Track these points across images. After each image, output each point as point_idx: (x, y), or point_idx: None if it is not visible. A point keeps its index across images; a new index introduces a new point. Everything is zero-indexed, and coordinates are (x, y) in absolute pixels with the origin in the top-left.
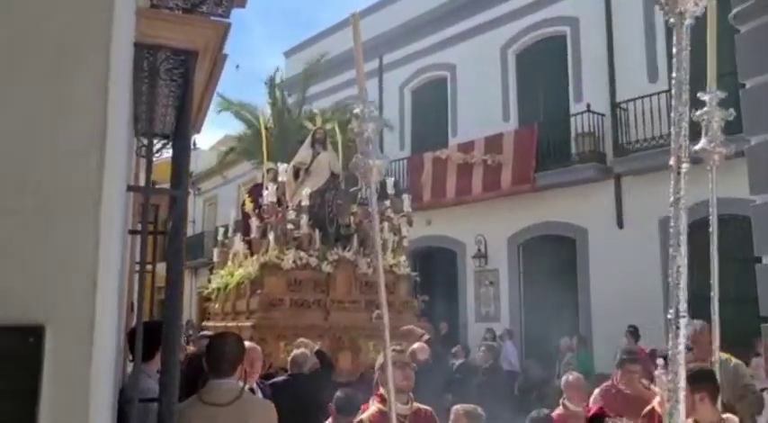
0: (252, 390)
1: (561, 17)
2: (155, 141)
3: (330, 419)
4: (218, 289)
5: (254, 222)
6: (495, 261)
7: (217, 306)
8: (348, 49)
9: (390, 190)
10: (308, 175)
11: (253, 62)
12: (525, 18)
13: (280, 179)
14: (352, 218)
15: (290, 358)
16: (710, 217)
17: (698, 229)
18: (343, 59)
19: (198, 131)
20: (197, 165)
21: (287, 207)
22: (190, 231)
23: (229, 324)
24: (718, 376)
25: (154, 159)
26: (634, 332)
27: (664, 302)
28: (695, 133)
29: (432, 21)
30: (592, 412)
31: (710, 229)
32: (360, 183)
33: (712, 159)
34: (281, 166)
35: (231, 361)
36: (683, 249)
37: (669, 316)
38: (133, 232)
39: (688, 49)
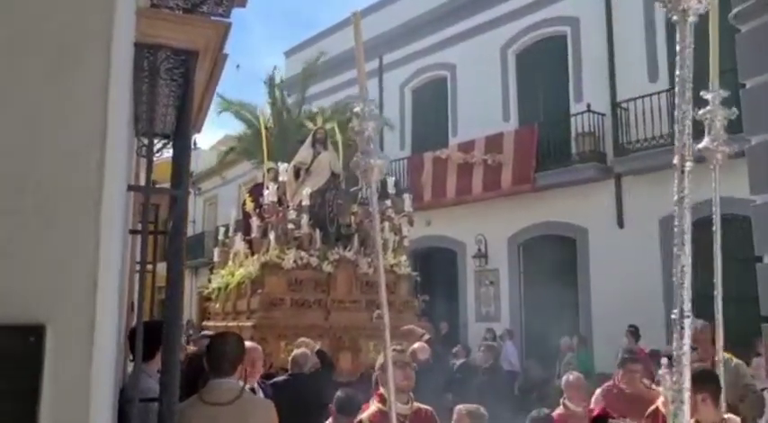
0: (253, 389)
1: (561, 17)
2: (155, 141)
3: (330, 419)
4: (219, 289)
5: (254, 222)
6: (495, 261)
7: (217, 306)
8: (347, 48)
9: (391, 190)
10: (309, 174)
11: (253, 62)
12: (525, 18)
13: (280, 179)
14: (352, 217)
15: (290, 358)
16: (714, 216)
17: (700, 229)
18: (343, 59)
19: (198, 131)
20: (197, 164)
21: (287, 207)
22: (190, 231)
23: (230, 324)
24: (722, 376)
25: (154, 159)
26: (634, 332)
27: (664, 302)
28: (698, 132)
29: (432, 20)
30: (595, 413)
31: (714, 229)
32: (360, 182)
33: (715, 158)
34: (282, 166)
35: (231, 361)
36: (687, 248)
37: (673, 316)
38: (133, 232)
39: (692, 47)
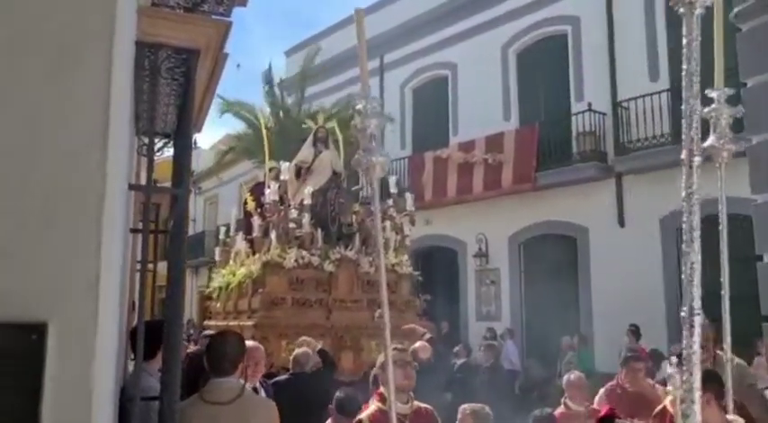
0: (255, 389)
1: (562, 16)
2: (156, 140)
3: (330, 420)
4: (220, 288)
5: (256, 221)
6: (496, 260)
7: (218, 305)
8: (347, 48)
9: (393, 189)
10: (310, 173)
11: (253, 62)
12: (526, 17)
13: (282, 178)
14: (354, 217)
15: (292, 357)
16: (720, 215)
17: (704, 228)
18: (344, 58)
19: (199, 130)
20: (198, 164)
21: (289, 206)
22: (190, 230)
23: (231, 323)
24: (730, 376)
25: (155, 158)
26: (635, 331)
27: (665, 302)
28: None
29: (432, 20)
30: (602, 413)
31: (720, 228)
32: (361, 181)
33: (721, 156)
34: (284, 165)
35: (232, 360)
36: (697, 245)
37: (683, 313)
38: (134, 231)
39: (698, 40)
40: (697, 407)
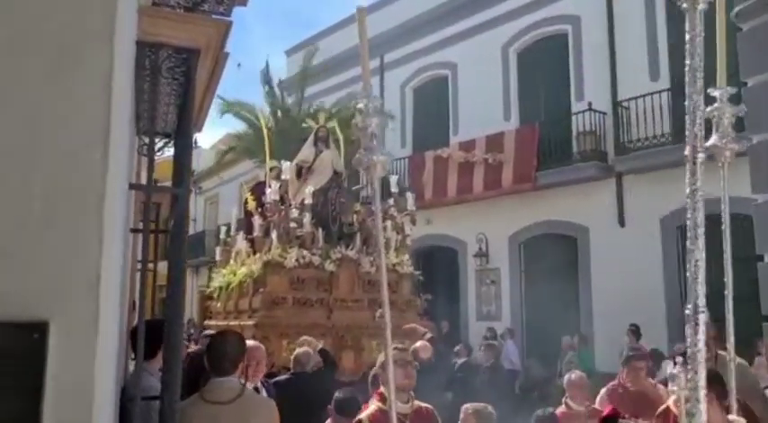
0: (256, 388)
1: (562, 16)
2: (156, 140)
3: (329, 420)
4: (221, 287)
5: (256, 220)
6: (496, 260)
7: (219, 305)
8: (347, 47)
9: (394, 188)
10: (311, 173)
11: (254, 62)
12: (526, 17)
13: (283, 177)
14: (355, 216)
15: (293, 357)
16: (723, 214)
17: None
18: (344, 58)
19: (199, 130)
20: (198, 163)
21: (290, 205)
22: (191, 230)
23: (232, 323)
24: (733, 376)
25: (155, 158)
26: (635, 331)
27: (665, 301)
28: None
29: (433, 19)
30: (605, 413)
31: (723, 227)
32: (361, 180)
33: (723, 156)
34: (285, 164)
35: (232, 359)
36: (701, 242)
37: (687, 311)
38: (135, 231)
39: (702, 36)
40: (702, 406)
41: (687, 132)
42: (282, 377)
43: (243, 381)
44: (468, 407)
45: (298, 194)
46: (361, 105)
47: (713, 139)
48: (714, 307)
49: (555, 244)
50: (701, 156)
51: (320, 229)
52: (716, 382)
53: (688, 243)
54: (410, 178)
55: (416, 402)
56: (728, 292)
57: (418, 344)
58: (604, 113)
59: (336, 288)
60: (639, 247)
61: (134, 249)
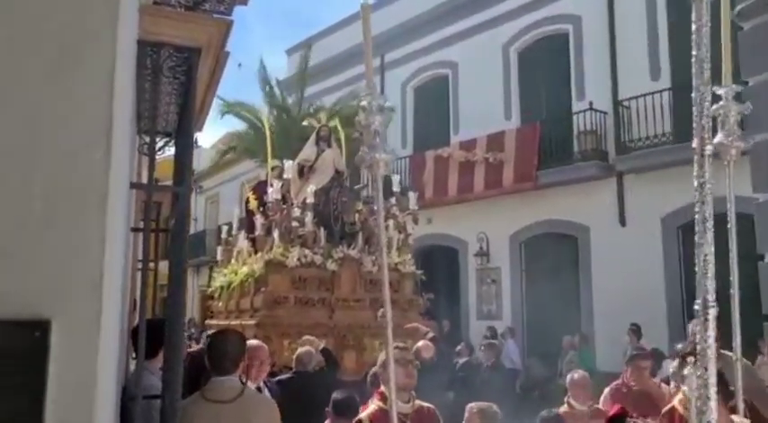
0: (259, 388)
1: (563, 15)
2: (157, 139)
3: (327, 422)
4: (222, 287)
5: (258, 220)
6: (496, 259)
7: (220, 304)
8: (348, 47)
9: (396, 187)
10: (313, 172)
11: (254, 62)
12: (527, 16)
13: (285, 176)
14: (357, 215)
15: (294, 356)
16: (729, 212)
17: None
18: (345, 57)
19: (200, 129)
20: (199, 163)
21: (292, 204)
22: (192, 229)
23: (233, 322)
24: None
25: (156, 157)
26: (636, 330)
27: (666, 301)
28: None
29: (433, 19)
30: (612, 412)
31: (729, 226)
32: (362, 179)
33: (729, 154)
34: (287, 163)
35: (233, 358)
36: (710, 236)
37: (696, 306)
38: (136, 230)
39: (708, 26)
40: (713, 403)
41: (695, 125)
42: (284, 376)
43: (244, 380)
44: (472, 406)
45: (299, 193)
46: (364, 103)
47: (719, 137)
48: (722, 305)
49: (556, 243)
50: (708, 148)
51: (322, 229)
52: (720, 383)
53: (696, 237)
54: (411, 178)
55: (418, 402)
56: (734, 291)
57: (420, 343)
58: (605, 113)
59: (338, 287)
60: (640, 246)
61: (135, 248)
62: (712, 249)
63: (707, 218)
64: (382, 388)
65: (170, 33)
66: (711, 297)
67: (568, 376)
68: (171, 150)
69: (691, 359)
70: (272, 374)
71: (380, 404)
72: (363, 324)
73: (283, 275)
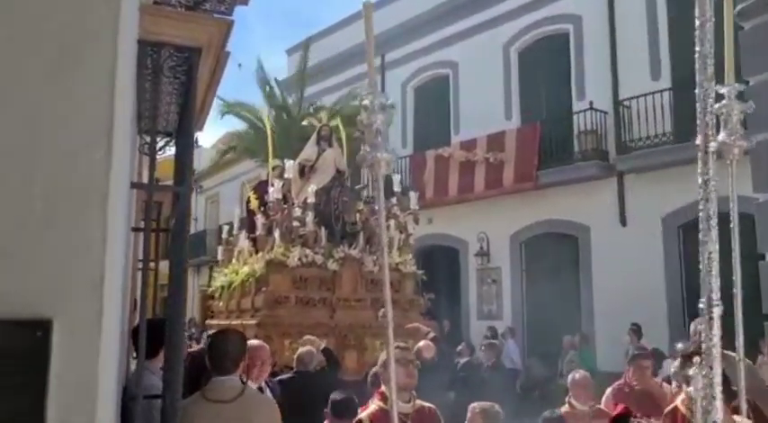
0: (261, 388)
1: (564, 15)
2: (157, 139)
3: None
4: (223, 287)
5: (259, 219)
6: (497, 259)
7: (221, 304)
8: (349, 46)
9: (397, 187)
10: (314, 171)
11: (254, 62)
12: (528, 16)
13: (286, 176)
14: (358, 215)
15: (295, 356)
16: (731, 212)
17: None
18: (346, 56)
19: (200, 129)
20: (199, 163)
21: (293, 204)
22: (192, 229)
23: (234, 322)
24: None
25: (157, 157)
26: (637, 330)
27: (666, 301)
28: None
29: (434, 19)
30: (616, 412)
31: (732, 225)
32: (363, 179)
33: (732, 153)
34: (288, 163)
35: (234, 358)
36: (714, 234)
37: (701, 305)
38: (136, 230)
39: (712, 21)
40: (719, 403)
41: (698, 122)
42: (285, 376)
43: (244, 379)
44: (475, 406)
45: (300, 193)
46: (366, 102)
47: (721, 136)
48: (724, 305)
49: (556, 243)
50: (713, 145)
51: (323, 228)
52: (723, 383)
53: (701, 235)
54: (411, 177)
55: (419, 402)
56: (737, 290)
57: (421, 343)
58: (606, 112)
59: (339, 287)
60: (641, 246)
61: (135, 248)
62: (717, 247)
63: (711, 215)
64: (383, 388)
65: (170, 33)
66: (716, 295)
67: (570, 376)
68: (171, 150)
69: (696, 359)
70: (273, 374)
71: (381, 404)
72: (364, 324)
73: (284, 275)
